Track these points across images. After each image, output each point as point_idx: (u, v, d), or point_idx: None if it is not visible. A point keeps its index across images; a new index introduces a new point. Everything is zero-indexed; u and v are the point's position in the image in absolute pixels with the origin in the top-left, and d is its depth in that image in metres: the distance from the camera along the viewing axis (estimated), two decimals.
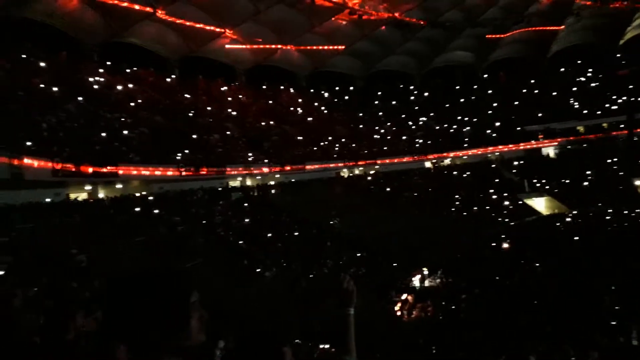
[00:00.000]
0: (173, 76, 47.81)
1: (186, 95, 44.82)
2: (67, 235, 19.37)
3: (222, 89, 50.56)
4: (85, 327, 6.10)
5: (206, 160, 34.68)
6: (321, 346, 15.76)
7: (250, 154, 39.55)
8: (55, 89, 32.38)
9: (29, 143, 24.09)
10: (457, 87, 63.43)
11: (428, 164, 51.50)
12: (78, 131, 29.08)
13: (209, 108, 44.52)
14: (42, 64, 35.00)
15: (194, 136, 37.45)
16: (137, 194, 28.61)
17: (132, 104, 37.55)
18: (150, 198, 28.14)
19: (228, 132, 41.93)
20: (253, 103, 50.29)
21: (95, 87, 37.48)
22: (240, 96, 50.79)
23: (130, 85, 40.74)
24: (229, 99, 49.41)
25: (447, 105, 60.08)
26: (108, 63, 41.93)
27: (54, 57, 36.97)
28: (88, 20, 40.51)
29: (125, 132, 32.58)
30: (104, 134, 30.57)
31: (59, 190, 24.70)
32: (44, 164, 22.98)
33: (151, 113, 36.98)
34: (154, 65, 46.34)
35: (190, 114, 41.05)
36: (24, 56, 34.29)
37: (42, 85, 31.89)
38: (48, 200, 23.63)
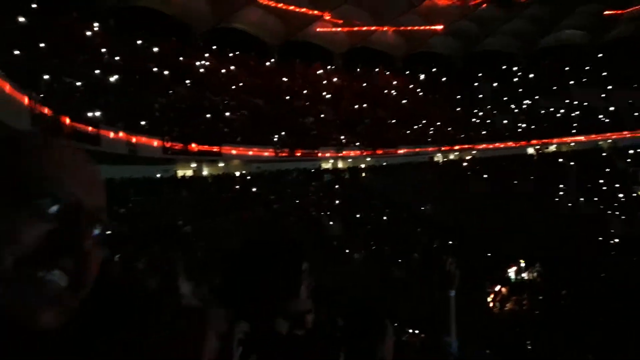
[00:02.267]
0: (272, 60, 49.33)
1: (284, 79, 46.10)
2: (175, 208, 21.09)
3: (318, 72, 51.28)
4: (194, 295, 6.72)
5: (300, 142, 35.66)
6: (409, 331, 15.80)
7: (342, 137, 39.94)
8: (166, 72, 34.91)
9: (142, 122, 26.33)
10: (567, 69, 58.61)
11: (531, 150, 48.51)
12: (186, 112, 31.22)
13: (305, 91, 45.49)
14: (155, 49, 37.81)
15: (290, 119, 38.59)
16: (237, 173, 30.22)
17: (234, 87, 39.46)
18: (249, 177, 29.61)
19: (322, 115, 42.63)
20: (348, 86, 50.48)
21: (201, 70, 39.81)
22: (335, 79, 51.20)
23: (233, 69, 42.73)
24: (324, 82, 50.03)
25: (555, 87, 55.82)
26: (213, 48, 44.25)
27: (165, 43, 39.76)
28: (197, 7, 42.96)
29: (228, 114, 34.40)
30: (208, 115, 32.54)
31: (168, 167, 26.80)
32: (156, 142, 25.03)
33: (251, 96, 38.65)
34: (255, 49, 48.14)
35: (287, 97, 42.25)
36: (139, 42, 37.26)
37: (154, 69, 34.51)
38: (158, 175, 25.74)
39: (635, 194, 39.21)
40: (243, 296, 1.57)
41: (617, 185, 39.87)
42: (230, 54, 45.37)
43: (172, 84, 33.80)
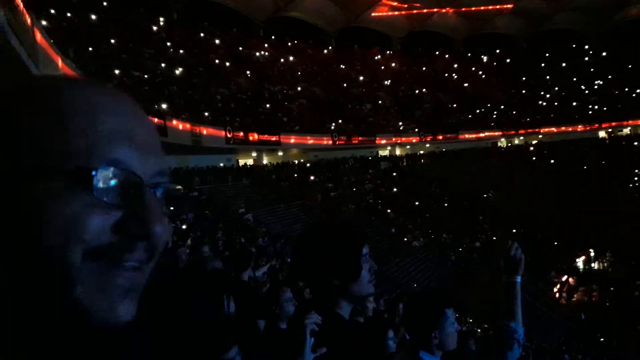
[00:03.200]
0: (330, 48, 49.32)
1: (341, 66, 46.01)
2: (237, 196, 21.83)
3: (376, 57, 50.74)
4: (258, 278, 7.07)
5: (358, 129, 35.61)
6: (468, 319, 15.63)
7: (400, 123, 39.45)
8: (227, 63, 35.85)
9: (206, 113, 27.29)
10: None
11: (602, 134, 45.77)
12: (246, 102, 32.00)
13: (362, 78, 45.21)
14: (217, 41, 38.87)
15: (348, 106, 38.56)
16: (296, 161, 30.72)
17: (293, 76, 39.89)
18: (307, 165, 30.02)
19: (380, 102, 42.25)
20: (406, 71, 49.65)
21: (261, 61, 40.54)
22: (393, 64, 50.48)
23: (291, 59, 43.16)
24: (382, 67, 49.46)
25: (630, 66, 52.05)
26: (272, 37, 44.85)
27: (226, 34, 40.75)
28: None
29: (286, 103, 34.91)
30: (267, 105, 33.18)
31: (230, 156, 27.68)
32: (219, 132, 25.89)
33: (309, 85, 38.96)
34: (313, 37, 48.30)
35: (345, 85, 42.19)
36: (202, 34, 38.43)
37: (217, 61, 35.54)
38: (221, 164, 26.66)
39: None
40: (306, 280, 1.66)
41: None
42: (289, 43, 45.82)
43: (233, 75, 34.68)
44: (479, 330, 13.93)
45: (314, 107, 35.40)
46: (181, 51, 33.13)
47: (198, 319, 2.01)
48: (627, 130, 46.08)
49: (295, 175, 27.65)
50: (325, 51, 48.53)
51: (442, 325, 1.93)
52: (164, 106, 24.48)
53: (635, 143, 42.75)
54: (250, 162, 29.70)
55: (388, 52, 52.37)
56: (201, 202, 19.71)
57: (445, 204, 28.47)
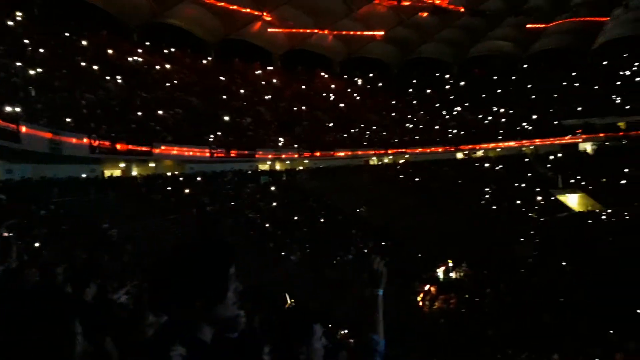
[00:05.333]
0: (209, 58, 48.37)
1: (221, 78, 45.33)
2: (101, 210, 20.11)
3: (256, 72, 50.89)
4: (120, 299, 6.43)
5: (237, 142, 35.17)
6: (342, 332, 15.99)
7: (280, 139, 39.85)
8: (95, 67, 33.27)
9: (68, 119, 24.93)
10: (495, 78, 61.88)
11: (460, 155, 50.74)
12: (115, 109, 29.89)
13: (242, 91, 44.95)
14: (84, 43, 35.95)
15: (227, 118, 37.95)
16: (169, 174, 29.32)
17: (168, 84, 38.27)
18: (181, 178, 28.81)
19: (260, 116, 42.31)
20: (286, 87, 50.47)
21: (134, 66, 38.31)
22: (274, 80, 51.03)
23: (168, 66, 41.47)
24: (263, 82, 49.73)
25: (484, 95, 58.74)
26: (147, 43, 42.73)
27: (96, 36, 37.91)
28: (131, 0, 41.31)
29: (160, 112, 33.28)
30: (139, 113, 31.32)
31: (95, 166, 25.55)
32: (82, 140, 23.77)
33: (186, 94, 37.63)
34: (191, 47, 46.98)
35: (224, 97, 41.56)
36: (67, 34, 35.29)
37: (83, 64, 32.81)
38: (84, 175, 24.47)
39: (553, 197, 42.02)
40: (167, 302, 1.52)
41: (538, 189, 42.54)
42: (165, 51, 44.02)
43: (102, 79, 32.26)
44: (352, 342, 14.30)
45: (190, 118, 34.19)
46: (41, 50, 30.06)
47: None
48: (480, 153, 51.62)
49: (169, 188, 26.33)
50: (205, 61, 47.50)
51: (309, 340, 1.92)
52: (17, 109, 21.84)
53: (487, 164, 48.08)
54: (117, 173, 27.69)
55: (269, 67, 52.85)
56: (58, 217, 17.83)
57: (322, 219, 29.17)
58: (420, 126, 53.07)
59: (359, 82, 59.50)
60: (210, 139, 33.43)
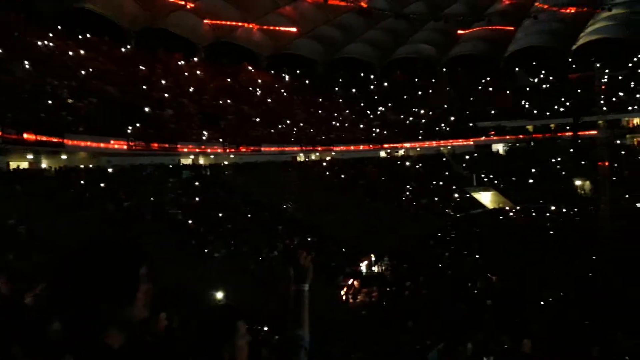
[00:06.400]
0: (129, 47, 46.02)
1: (141, 67, 43.29)
2: (7, 205, 18.45)
3: (179, 63, 49.16)
4: (26, 299, 5.87)
5: (158, 135, 33.72)
6: (267, 328, 15.85)
7: (204, 132, 38.78)
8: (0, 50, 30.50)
9: None
10: (416, 80, 64.38)
11: (383, 154, 52.23)
12: (22, 96, 27.52)
13: (164, 82, 43.20)
14: None
15: (147, 110, 36.28)
16: (83, 166, 27.53)
17: (83, 72, 35.89)
18: (97, 171, 27.16)
19: (183, 108, 40.89)
20: (211, 80, 49.21)
21: (44, 51, 35.55)
22: (198, 72, 49.59)
23: (82, 52, 38.92)
24: (186, 74, 48.15)
25: (405, 97, 60.93)
26: (59, 27, 39.82)
27: (2, 17, 34.72)
28: None
29: (74, 101, 31.12)
30: (50, 102, 29.10)
31: None
32: None
33: (102, 83, 35.47)
34: (110, 34, 44.46)
35: (145, 87, 39.71)
36: None
37: None
38: None
39: (468, 195, 44.45)
40: (72, 305, 1.41)
41: (454, 187, 44.83)
42: (80, 36, 41.30)
43: (7, 64, 29.59)
44: (277, 337, 14.19)
45: (107, 108, 32.25)
46: None
47: None
48: (401, 152, 53.47)
49: (82, 182, 24.70)
50: (124, 50, 45.13)
51: (232, 338, 1.86)
52: None
53: (407, 163, 49.91)
54: (25, 165, 25.55)
55: (193, 59, 51.27)
56: None
57: (248, 215, 28.76)
58: (346, 124, 53.98)
59: (286, 78, 59.41)
60: (129, 131, 31.78)
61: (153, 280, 1.51)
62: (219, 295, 18.41)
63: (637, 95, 54.50)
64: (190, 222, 24.74)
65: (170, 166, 32.40)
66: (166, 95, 40.99)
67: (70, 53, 37.57)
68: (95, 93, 33.40)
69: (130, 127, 32.07)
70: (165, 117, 37.61)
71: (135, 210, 23.47)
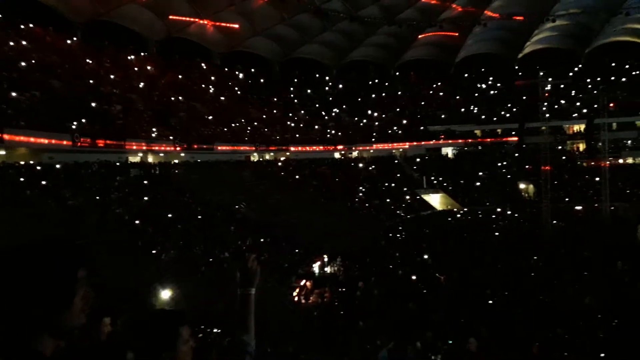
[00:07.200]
0: (75, 39, 44.09)
1: (88, 61, 41.56)
2: None
3: (129, 57, 47.57)
4: None
5: (105, 131, 32.48)
6: (215, 330, 15.55)
7: (154, 129, 37.69)
8: None
9: None
10: (370, 83, 65.24)
11: (337, 155, 52.58)
12: None
13: (112, 76, 41.68)
14: None
15: (94, 105, 34.86)
16: (23, 162, 26.13)
17: (24, 63, 34.05)
18: (39, 168, 25.84)
19: (132, 104, 39.57)
20: (162, 76, 47.90)
21: None
22: (148, 67, 48.16)
23: (24, 43, 36.94)
24: (136, 69, 46.66)
25: (359, 99, 61.63)
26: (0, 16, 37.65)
27: None
28: None
29: (14, 94, 29.48)
30: None
31: None
32: None
33: (46, 76, 33.79)
34: (54, 25, 42.40)
35: (91, 81, 38.15)
36: None
37: None
38: None
39: (418, 197, 45.44)
40: (2, 310, 1.30)
41: (405, 189, 45.72)
42: (22, 26, 39.18)
43: None
44: (227, 340, 13.94)
45: (50, 102, 30.74)
46: None
47: None
48: (355, 154, 54.02)
49: (22, 179, 23.42)
50: (69, 42, 43.20)
51: (175, 344, 1.79)
52: None
53: (361, 165, 50.47)
54: None
55: (143, 53, 49.75)
56: None
57: (199, 215, 28.15)
58: (301, 125, 53.96)
59: (241, 76, 58.72)
60: (74, 127, 30.43)
61: (94, 283, 1.42)
62: (164, 298, 17.95)
63: (578, 104, 57.48)
64: (137, 222, 23.95)
65: (118, 164, 31.29)
66: (114, 90, 39.55)
67: (11, 43, 35.59)
68: (38, 86, 31.78)
69: (75, 123, 30.71)
70: (113, 112, 36.29)
71: (80, 209, 22.49)
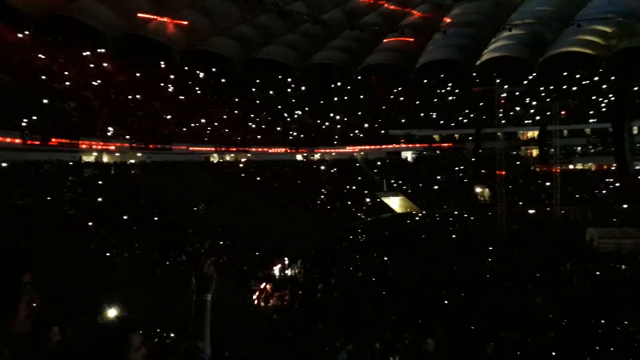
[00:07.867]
0: (27, 32, 42.24)
1: (40, 55, 39.90)
2: None
3: (84, 54, 45.98)
4: None
5: (57, 129, 31.25)
6: (172, 335, 15.17)
7: (110, 128, 36.55)
8: None
9: None
10: (333, 86, 65.59)
11: (299, 157, 52.52)
12: None
13: (66, 73, 40.16)
14: None
15: (46, 101, 33.49)
16: None
17: None
18: None
19: (87, 102, 38.24)
20: (119, 73, 46.53)
21: None
22: (105, 64, 46.68)
23: None
24: (92, 65, 45.14)
25: (322, 102, 61.83)
26: None
27: None
28: None
29: None
30: None
31: None
32: None
33: None
34: (4, 17, 40.44)
35: (43, 77, 36.64)
36: None
37: None
38: None
39: (379, 199, 45.94)
40: None
41: (366, 192, 46.13)
42: None
43: None
44: (184, 345, 13.59)
45: None
46: None
47: None
48: (317, 156, 54.13)
49: None
50: (21, 35, 41.36)
51: (125, 352, 1.72)
52: None
53: (323, 167, 50.60)
54: None
55: (100, 50, 48.21)
56: None
57: (155, 217, 27.44)
58: (263, 126, 53.61)
59: (201, 75, 57.79)
60: (24, 124, 29.11)
61: (42, 289, 1.35)
62: (113, 305, 17.37)
63: (531, 111, 59.64)
64: (90, 223, 23.13)
65: (71, 163, 30.17)
66: (68, 86, 38.12)
67: None
68: None
69: (25, 120, 29.40)
70: (67, 110, 34.97)
71: (29, 210, 21.51)
